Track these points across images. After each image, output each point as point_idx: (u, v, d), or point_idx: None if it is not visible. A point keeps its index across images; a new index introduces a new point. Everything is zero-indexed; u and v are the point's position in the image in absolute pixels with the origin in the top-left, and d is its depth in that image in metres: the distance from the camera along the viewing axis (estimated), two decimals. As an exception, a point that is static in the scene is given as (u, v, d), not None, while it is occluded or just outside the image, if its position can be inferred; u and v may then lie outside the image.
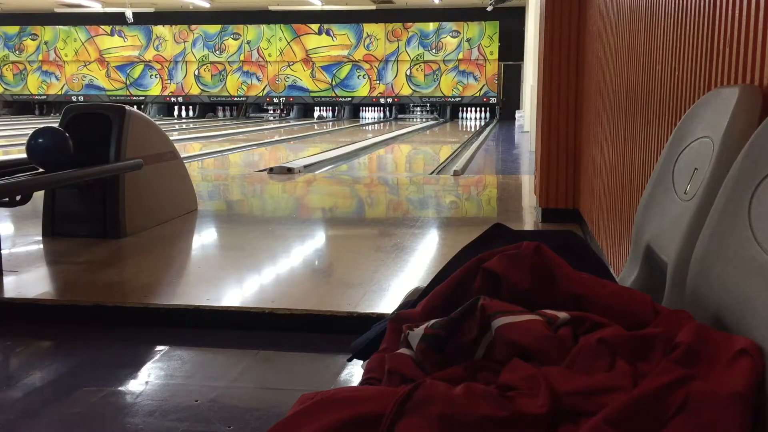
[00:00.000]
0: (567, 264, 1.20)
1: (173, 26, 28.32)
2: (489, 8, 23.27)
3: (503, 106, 26.20)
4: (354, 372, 2.72)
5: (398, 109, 27.14)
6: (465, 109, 26.96)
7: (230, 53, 28.20)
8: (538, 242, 1.22)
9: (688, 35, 2.04)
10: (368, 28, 27.21)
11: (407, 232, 4.99)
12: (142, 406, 2.49)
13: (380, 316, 2.83)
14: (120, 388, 2.66)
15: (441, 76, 26.91)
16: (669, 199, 1.51)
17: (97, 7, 25.79)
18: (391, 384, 1.06)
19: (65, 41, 29.03)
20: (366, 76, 27.34)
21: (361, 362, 1.32)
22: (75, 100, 27.15)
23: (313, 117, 27.42)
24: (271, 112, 28.05)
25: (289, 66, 27.82)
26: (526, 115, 17.72)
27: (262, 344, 3.08)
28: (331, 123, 24.97)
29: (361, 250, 4.58)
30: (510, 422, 0.88)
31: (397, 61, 27.16)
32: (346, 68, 27.47)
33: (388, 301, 3.37)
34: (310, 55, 27.65)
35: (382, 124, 23.94)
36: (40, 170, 4.33)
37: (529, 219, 5.67)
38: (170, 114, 28.67)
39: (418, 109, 27.17)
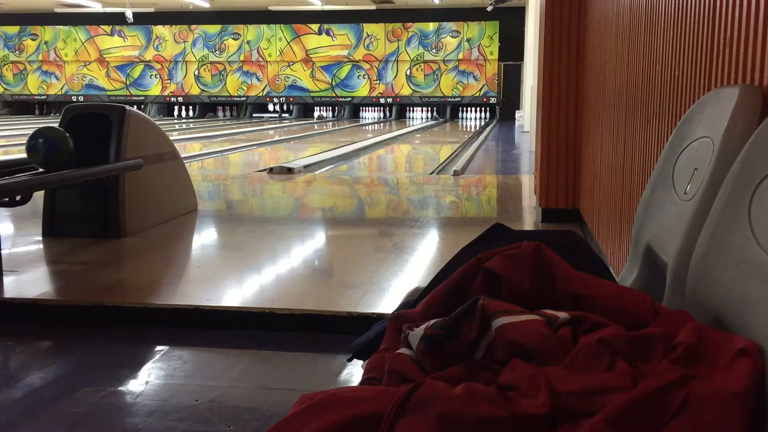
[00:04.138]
0: (567, 264, 1.20)
1: (173, 26, 28.33)
2: (489, 8, 23.28)
3: (503, 106, 26.21)
4: (354, 372, 2.72)
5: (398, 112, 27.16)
6: (465, 109, 26.97)
7: (230, 53, 28.21)
8: (538, 242, 1.22)
9: (688, 35, 2.04)
10: (368, 28, 27.22)
11: (407, 232, 4.99)
12: (142, 406, 2.49)
13: (380, 316, 2.83)
14: (120, 388, 2.66)
15: (441, 76, 26.92)
16: (669, 199, 1.51)
17: (97, 7, 25.80)
18: (391, 384, 1.06)
19: (65, 41, 29.04)
20: (366, 76, 27.35)
21: (361, 362, 1.32)
22: (75, 100, 27.16)
23: (313, 117, 27.43)
24: (272, 108, 28.07)
25: (289, 66, 27.83)
26: (526, 115, 17.72)
27: (262, 344, 3.08)
28: (331, 123, 24.97)
29: (361, 250, 4.58)
30: (510, 422, 0.88)
31: (397, 61, 27.17)
32: (346, 68, 27.48)
33: (388, 301, 3.36)
34: (310, 55, 27.66)
35: (382, 124, 23.95)
36: (40, 170, 4.33)
37: (529, 219, 5.67)
38: (170, 114, 28.69)
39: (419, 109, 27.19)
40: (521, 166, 10.59)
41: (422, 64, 27.04)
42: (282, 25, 27.65)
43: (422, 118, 26.77)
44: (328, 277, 4.03)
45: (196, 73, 28.42)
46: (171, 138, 5.91)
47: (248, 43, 28.07)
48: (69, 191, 4.78)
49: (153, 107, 28.19)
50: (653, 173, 1.63)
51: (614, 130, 3.54)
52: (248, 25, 27.88)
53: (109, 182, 4.76)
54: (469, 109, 26.96)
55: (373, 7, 26.29)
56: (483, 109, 26.83)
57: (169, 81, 28.64)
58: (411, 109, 27.31)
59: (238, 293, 3.65)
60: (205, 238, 5.25)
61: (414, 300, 1.36)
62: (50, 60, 29.24)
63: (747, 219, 1.09)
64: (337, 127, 22.14)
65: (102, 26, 28.55)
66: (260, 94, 28.09)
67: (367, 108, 27.70)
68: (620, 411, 0.86)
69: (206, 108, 28.47)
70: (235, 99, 28.26)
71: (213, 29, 28.19)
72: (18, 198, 4.14)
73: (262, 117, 27.36)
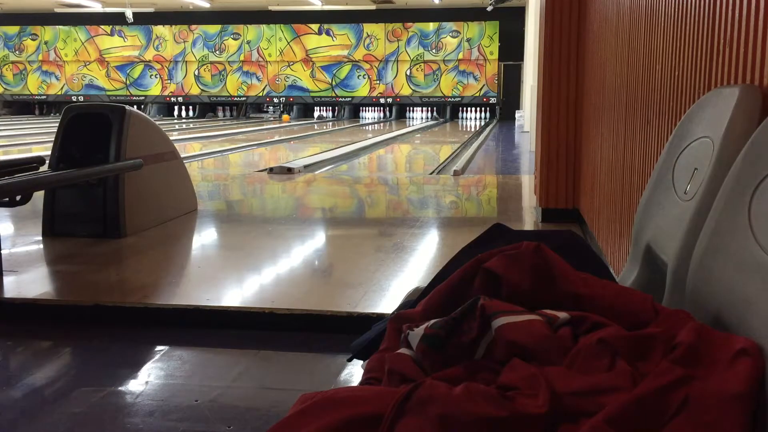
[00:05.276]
0: (567, 264, 1.20)
1: (173, 26, 28.33)
2: (489, 8, 23.28)
3: (503, 106, 26.21)
4: (354, 372, 2.72)
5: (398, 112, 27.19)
6: (465, 109, 26.97)
7: (230, 53, 28.21)
8: (538, 242, 1.22)
9: (688, 35, 2.04)
10: (368, 28, 27.22)
11: (407, 232, 4.99)
12: (142, 406, 2.49)
13: (380, 316, 2.83)
14: (120, 388, 2.66)
15: (441, 76, 26.92)
16: (669, 199, 1.51)
17: (97, 7, 25.79)
18: (391, 384, 1.06)
19: (65, 41, 29.04)
20: (366, 76, 27.35)
21: (361, 362, 1.32)
22: (75, 100, 27.16)
23: (313, 117, 27.43)
24: (272, 111, 28.09)
25: (289, 66, 27.83)
26: (526, 115, 17.72)
27: (262, 344, 3.08)
28: (331, 123, 24.97)
29: (361, 250, 4.58)
30: (510, 422, 0.88)
31: (397, 61, 27.16)
32: (346, 68, 27.47)
33: (388, 301, 3.37)
34: (310, 55, 27.66)
35: (382, 124, 23.94)
36: (40, 170, 4.33)
37: (529, 219, 5.67)
38: (170, 114, 28.69)
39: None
40: (521, 166, 10.59)
41: (422, 64, 27.04)
42: (282, 25, 27.65)
43: (422, 118, 26.77)
44: (328, 277, 4.03)
45: (196, 73, 28.41)
46: (171, 138, 5.91)
47: (248, 43, 28.06)
48: (69, 191, 4.78)
49: (153, 107, 28.19)
50: (653, 173, 1.63)
51: (614, 130, 3.54)
52: (248, 25, 27.88)
53: (109, 182, 4.76)
54: (469, 109, 26.96)
55: (373, 7, 26.29)
56: (483, 109, 26.82)
57: (169, 81, 28.63)
58: (411, 109, 27.31)
59: (238, 293, 3.65)
60: (205, 238, 5.25)
61: (414, 300, 1.36)
62: (50, 60, 29.24)
63: (747, 219, 1.09)
64: (337, 127, 22.13)
65: (102, 26, 28.55)
66: (260, 94, 28.09)
67: (367, 108, 27.69)
68: (620, 411, 0.86)
69: (206, 108, 28.46)
70: (235, 99, 28.26)
71: (213, 29, 28.19)
72: (18, 198, 4.14)
73: (262, 117, 27.36)
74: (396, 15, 26.74)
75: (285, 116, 26.36)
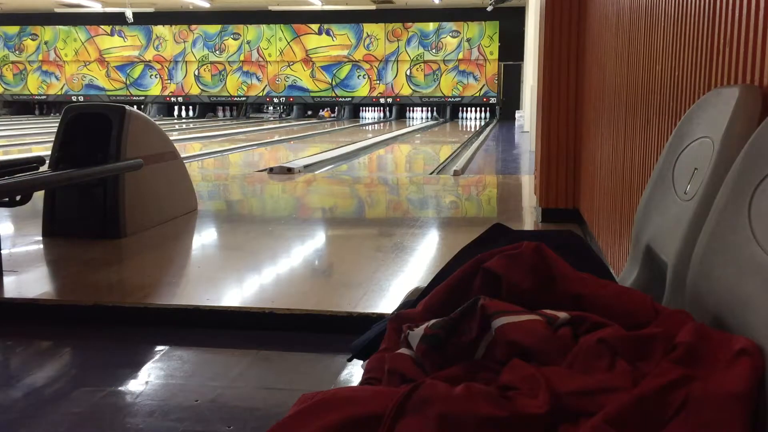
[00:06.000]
0: (567, 264, 1.20)
1: (173, 26, 28.33)
2: (489, 8, 23.29)
3: (503, 106, 26.20)
4: (354, 372, 2.72)
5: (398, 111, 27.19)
6: (465, 109, 26.97)
7: (230, 53, 28.21)
8: (538, 242, 1.22)
9: (688, 35, 2.04)
10: (368, 28, 27.22)
11: (407, 232, 4.99)
12: (142, 406, 2.49)
13: (380, 316, 2.83)
14: (120, 388, 2.66)
15: (441, 76, 26.92)
16: (669, 199, 1.51)
17: (97, 7, 25.80)
18: (391, 384, 1.06)
19: (65, 41, 29.04)
20: (366, 76, 27.35)
21: (361, 362, 1.31)
22: (75, 100, 27.15)
23: (316, 116, 27.48)
24: (271, 111, 28.10)
25: (289, 66, 27.83)
26: (526, 115, 17.72)
27: (262, 344, 3.08)
28: (330, 123, 24.97)
29: (361, 250, 4.58)
30: (510, 422, 0.88)
31: (397, 61, 27.16)
32: (346, 68, 27.47)
33: (388, 301, 3.36)
34: (310, 55, 27.66)
35: (382, 124, 23.94)
36: (40, 170, 4.33)
37: (529, 219, 5.67)
38: (170, 114, 28.68)
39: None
40: (521, 166, 10.59)
41: (422, 64, 27.04)
42: (282, 25, 27.65)
43: (422, 118, 26.77)
44: (328, 277, 4.03)
45: (196, 73, 28.41)
46: (171, 138, 5.90)
47: (248, 43, 28.06)
48: (69, 191, 4.78)
49: (153, 107, 28.18)
50: (653, 173, 1.63)
51: (614, 130, 3.54)
52: (248, 25, 27.88)
53: (109, 182, 4.76)
54: (469, 109, 26.96)
55: (373, 7, 26.29)
56: (483, 109, 26.82)
57: (169, 81, 28.63)
58: (411, 109, 27.30)
59: (238, 293, 3.65)
60: (205, 238, 5.25)
61: (414, 300, 1.36)
62: (50, 60, 29.23)
63: (747, 219, 1.09)
64: (337, 127, 22.13)
65: (102, 26, 28.54)
66: (260, 94, 28.09)
67: (367, 108, 27.70)
68: (620, 411, 0.86)
69: (206, 108, 28.46)
70: (235, 99, 28.26)
71: (213, 29, 28.19)
72: (18, 198, 4.14)
73: (262, 117, 27.35)
74: (396, 15, 26.74)
75: (326, 112, 27.77)
